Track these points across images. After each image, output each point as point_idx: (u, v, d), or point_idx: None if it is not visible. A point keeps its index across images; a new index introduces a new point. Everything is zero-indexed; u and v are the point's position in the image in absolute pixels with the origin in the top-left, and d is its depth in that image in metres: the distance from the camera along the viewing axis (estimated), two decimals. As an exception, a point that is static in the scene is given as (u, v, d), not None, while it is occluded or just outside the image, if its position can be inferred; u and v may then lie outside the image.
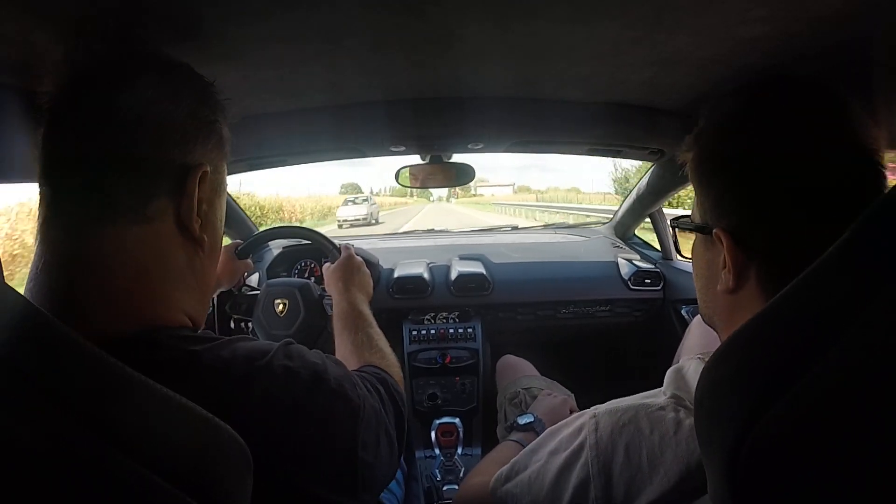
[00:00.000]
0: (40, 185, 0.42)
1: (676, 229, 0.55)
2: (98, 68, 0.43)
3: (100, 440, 0.29)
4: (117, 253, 0.40)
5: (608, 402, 0.55)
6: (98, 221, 0.40)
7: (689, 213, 0.53)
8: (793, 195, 0.40)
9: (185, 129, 0.44)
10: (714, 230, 0.44)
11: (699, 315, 1.12)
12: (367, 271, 0.94)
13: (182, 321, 0.44)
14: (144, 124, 0.42)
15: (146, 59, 0.45)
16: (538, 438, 0.62)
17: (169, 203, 0.43)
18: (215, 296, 1.14)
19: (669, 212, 1.40)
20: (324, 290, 1.08)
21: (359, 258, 0.95)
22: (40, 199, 0.42)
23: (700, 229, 0.47)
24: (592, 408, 0.56)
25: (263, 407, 0.41)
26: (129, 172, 0.41)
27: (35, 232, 0.42)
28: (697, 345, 1.02)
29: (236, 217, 1.42)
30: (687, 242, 0.55)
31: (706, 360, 0.35)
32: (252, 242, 1.12)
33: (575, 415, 0.59)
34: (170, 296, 0.44)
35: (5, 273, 0.54)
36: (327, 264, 0.95)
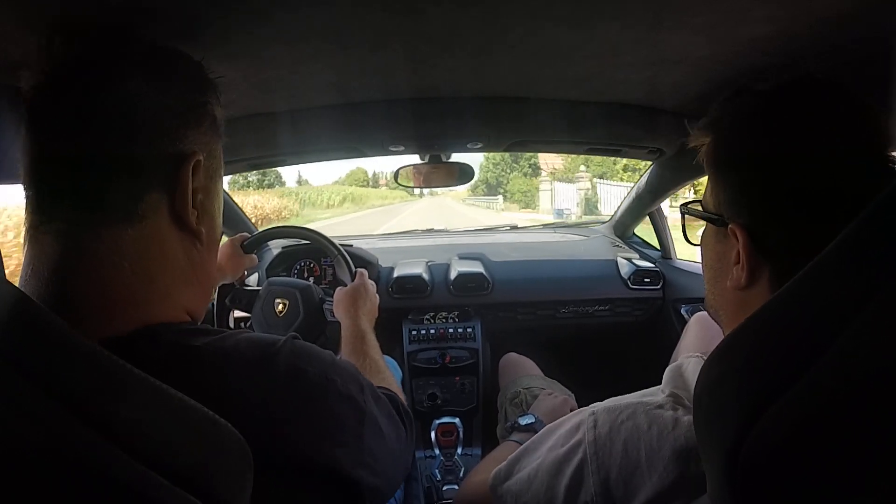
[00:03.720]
0: (25, 189, 0.40)
1: (686, 215, 0.53)
2: (81, 61, 0.40)
3: (100, 437, 0.28)
4: (111, 256, 0.39)
5: (606, 400, 0.55)
6: (89, 225, 0.38)
7: (699, 198, 0.51)
8: (813, 198, 0.39)
9: (175, 117, 0.42)
10: (730, 225, 0.43)
11: (697, 314, 1.13)
12: (376, 297, 0.94)
13: (181, 317, 0.43)
14: (132, 117, 0.40)
15: (131, 47, 0.43)
16: (536, 435, 0.62)
17: (162, 196, 0.41)
18: (217, 288, 1.13)
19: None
20: (324, 292, 1.08)
21: (371, 283, 0.95)
22: (26, 204, 0.40)
23: (714, 220, 0.46)
24: (590, 406, 0.56)
25: (267, 404, 0.40)
26: (119, 169, 0.39)
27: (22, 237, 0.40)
28: (694, 344, 1.02)
29: (234, 217, 1.42)
30: (693, 229, 0.53)
31: (706, 358, 0.35)
32: (260, 237, 1.11)
33: (573, 412, 0.59)
34: (169, 293, 0.42)
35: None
36: (340, 288, 0.94)
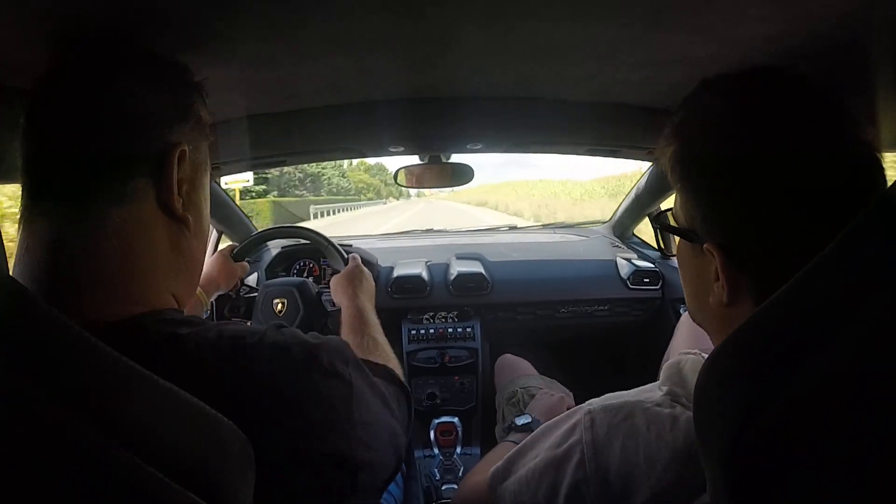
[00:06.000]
0: (21, 177, 0.42)
1: (659, 229, 0.50)
2: (77, 63, 0.43)
3: (101, 434, 0.28)
4: (99, 234, 0.40)
5: (603, 397, 0.55)
6: (78, 203, 0.40)
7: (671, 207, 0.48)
8: (793, 198, 0.37)
9: (164, 113, 0.44)
10: (705, 244, 0.41)
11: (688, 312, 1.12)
12: (372, 279, 0.96)
13: (168, 302, 0.44)
14: (124, 113, 0.42)
15: (126, 52, 0.45)
16: (533, 434, 0.62)
17: (149, 183, 0.43)
18: (213, 300, 1.14)
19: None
20: (322, 287, 1.09)
21: (364, 267, 0.97)
22: (22, 190, 0.42)
23: (687, 236, 0.44)
24: (586, 403, 0.55)
25: (252, 385, 0.40)
26: (109, 157, 0.42)
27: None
28: (686, 342, 1.02)
29: (235, 218, 1.42)
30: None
31: (703, 355, 0.35)
32: (248, 245, 1.13)
33: (570, 411, 0.59)
34: (155, 278, 0.44)
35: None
36: (335, 275, 0.96)
